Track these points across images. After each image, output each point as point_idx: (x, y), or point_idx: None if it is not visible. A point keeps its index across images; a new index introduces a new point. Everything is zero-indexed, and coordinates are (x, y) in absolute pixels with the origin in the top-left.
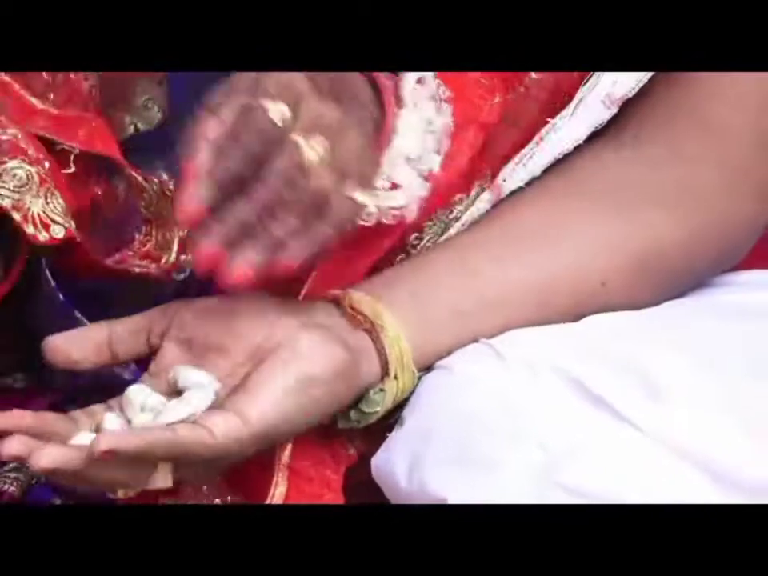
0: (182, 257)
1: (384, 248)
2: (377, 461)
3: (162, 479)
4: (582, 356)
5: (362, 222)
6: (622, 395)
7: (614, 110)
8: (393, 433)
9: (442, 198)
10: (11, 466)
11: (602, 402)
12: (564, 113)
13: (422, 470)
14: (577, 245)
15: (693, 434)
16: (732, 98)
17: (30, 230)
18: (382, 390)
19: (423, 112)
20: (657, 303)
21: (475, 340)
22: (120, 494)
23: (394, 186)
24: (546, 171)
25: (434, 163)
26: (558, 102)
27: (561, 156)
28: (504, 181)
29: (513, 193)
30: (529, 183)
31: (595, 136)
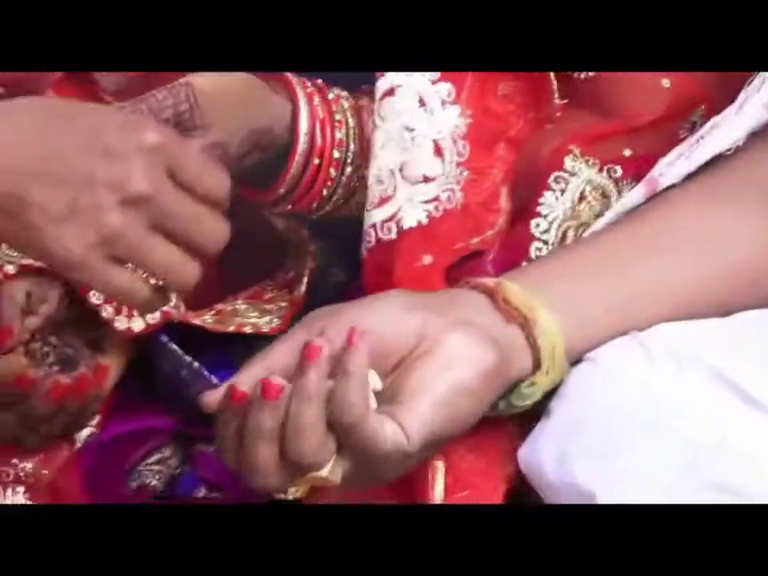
0: None
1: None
2: (523, 453)
3: (334, 472)
4: (728, 351)
5: None
6: (765, 388)
7: None
8: (539, 424)
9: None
10: (155, 458)
11: (747, 397)
12: (727, 112)
13: (570, 464)
14: (728, 244)
15: None
16: None
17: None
18: (533, 383)
19: (398, 122)
20: None
21: (625, 333)
22: (291, 491)
23: (383, 200)
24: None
25: (430, 167)
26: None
27: (719, 154)
28: (660, 175)
29: (667, 188)
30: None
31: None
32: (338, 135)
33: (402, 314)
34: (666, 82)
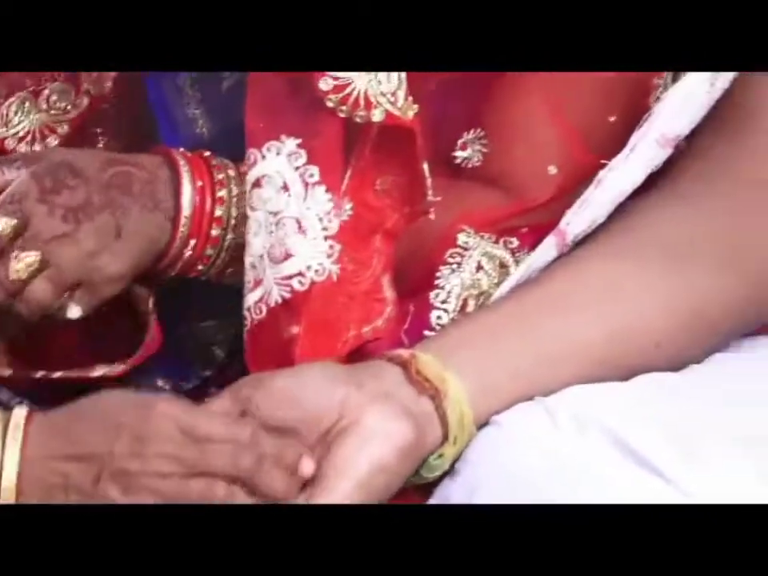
0: None
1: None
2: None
3: None
4: (629, 414)
5: None
6: (665, 457)
7: (670, 151)
8: (445, 483)
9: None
10: None
11: (644, 461)
12: (621, 154)
13: None
14: (634, 307)
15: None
16: None
17: None
18: (441, 455)
19: (264, 209)
20: (700, 360)
21: (532, 397)
22: None
23: (256, 284)
24: (609, 219)
25: (292, 244)
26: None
27: (622, 197)
28: (568, 225)
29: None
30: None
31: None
32: (218, 212)
33: (328, 387)
34: (552, 169)
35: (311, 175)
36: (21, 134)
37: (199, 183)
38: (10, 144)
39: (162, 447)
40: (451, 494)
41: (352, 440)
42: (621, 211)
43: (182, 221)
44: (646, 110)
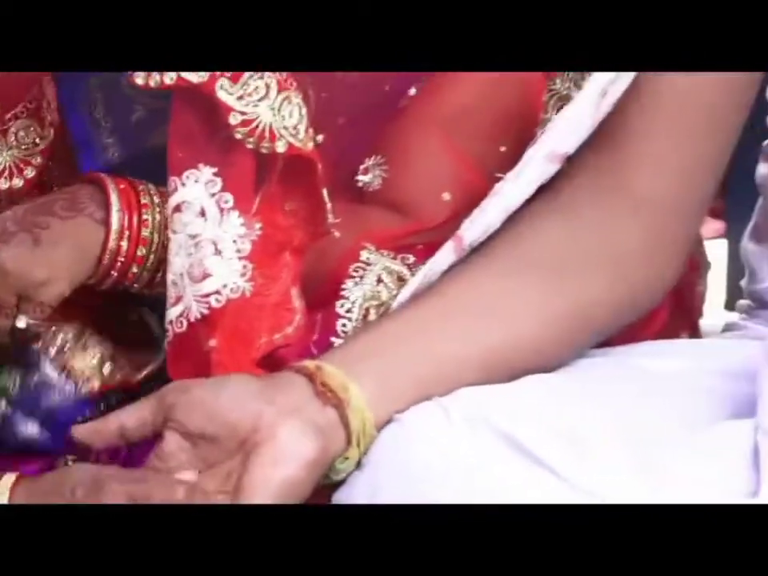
0: None
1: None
2: (338, 497)
3: None
4: (519, 415)
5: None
6: (557, 454)
7: (558, 166)
8: (355, 472)
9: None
10: None
11: (538, 460)
12: (515, 169)
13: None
14: (513, 318)
15: (605, 484)
16: (653, 165)
17: None
18: (346, 458)
19: (185, 233)
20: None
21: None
22: None
23: (177, 300)
24: (501, 227)
25: (210, 265)
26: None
27: (513, 208)
28: (466, 231)
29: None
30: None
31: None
32: (144, 233)
33: (245, 400)
34: (446, 195)
35: (226, 201)
36: None
37: (123, 193)
38: None
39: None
40: (356, 493)
41: (266, 459)
42: (511, 220)
43: (113, 218)
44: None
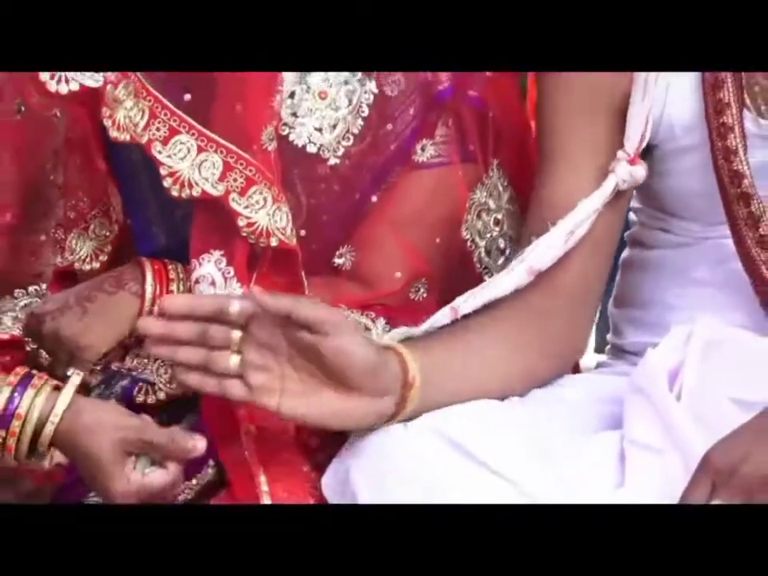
0: None
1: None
2: (332, 471)
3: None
4: (472, 427)
5: None
6: (484, 450)
7: (531, 278)
8: (345, 449)
9: None
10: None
11: (486, 466)
12: (505, 271)
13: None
14: (494, 378)
15: (516, 469)
16: (580, 280)
17: None
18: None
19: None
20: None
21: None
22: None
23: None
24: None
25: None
26: None
27: (495, 298)
28: (460, 304)
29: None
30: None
31: None
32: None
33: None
34: (398, 274)
35: (229, 272)
36: (83, 257)
37: (157, 272)
38: (76, 266)
39: None
40: (333, 474)
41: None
42: (492, 306)
43: (147, 291)
44: (460, 238)
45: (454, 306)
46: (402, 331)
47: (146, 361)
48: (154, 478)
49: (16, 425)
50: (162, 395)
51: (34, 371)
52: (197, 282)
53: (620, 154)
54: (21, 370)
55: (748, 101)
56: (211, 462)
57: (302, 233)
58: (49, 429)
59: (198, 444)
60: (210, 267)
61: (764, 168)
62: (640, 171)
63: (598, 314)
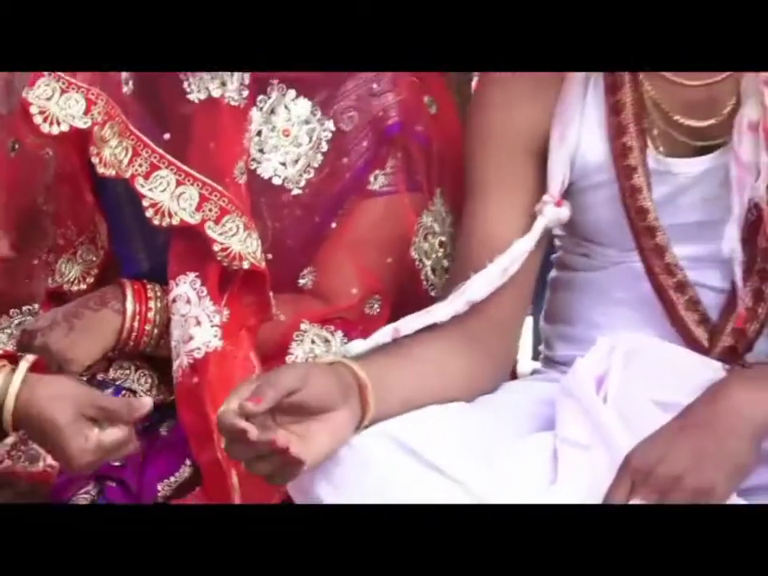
0: None
1: None
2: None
3: None
4: (423, 431)
5: None
6: (433, 452)
7: (467, 309)
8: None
9: None
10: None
11: (436, 468)
12: (444, 303)
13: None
14: (436, 383)
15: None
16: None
17: None
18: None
19: (179, 314)
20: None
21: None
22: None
23: (176, 356)
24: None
25: (195, 333)
26: None
27: (437, 321)
28: (400, 327)
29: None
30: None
31: None
32: (149, 315)
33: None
34: (354, 290)
35: (203, 291)
36: (71, 279)
37: (137, 291)
38: (65, 287)
39: None
40: (320, 471)
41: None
42: (430, 329)
43: (128, 307)
44: (410, 258)
45: (397, 326)
46: (356, 345)
47: (127, 372)
48: (109, 433)
49: None
50: None
51: None
52: (174, 300)
53: (546, 197)
54: None
55: (649, 142)
56: (188, 462)
57: (269, 256)
58: (10, 400)
59: (145, 400)
60: (186, 287)
61: (667, 199)
62: (565, 212)
63: (531, 326)
